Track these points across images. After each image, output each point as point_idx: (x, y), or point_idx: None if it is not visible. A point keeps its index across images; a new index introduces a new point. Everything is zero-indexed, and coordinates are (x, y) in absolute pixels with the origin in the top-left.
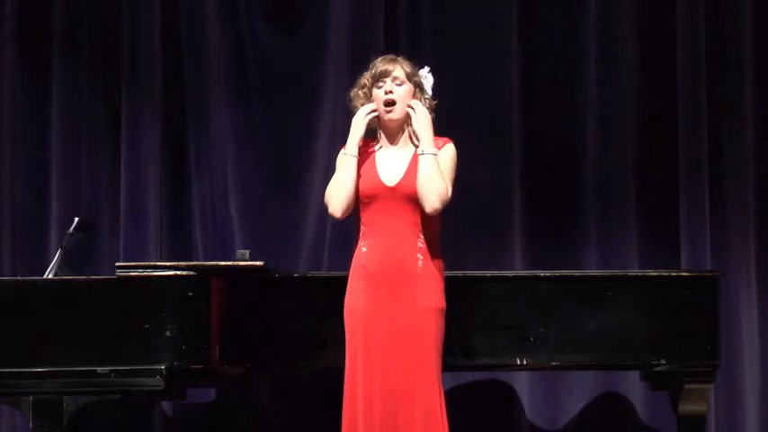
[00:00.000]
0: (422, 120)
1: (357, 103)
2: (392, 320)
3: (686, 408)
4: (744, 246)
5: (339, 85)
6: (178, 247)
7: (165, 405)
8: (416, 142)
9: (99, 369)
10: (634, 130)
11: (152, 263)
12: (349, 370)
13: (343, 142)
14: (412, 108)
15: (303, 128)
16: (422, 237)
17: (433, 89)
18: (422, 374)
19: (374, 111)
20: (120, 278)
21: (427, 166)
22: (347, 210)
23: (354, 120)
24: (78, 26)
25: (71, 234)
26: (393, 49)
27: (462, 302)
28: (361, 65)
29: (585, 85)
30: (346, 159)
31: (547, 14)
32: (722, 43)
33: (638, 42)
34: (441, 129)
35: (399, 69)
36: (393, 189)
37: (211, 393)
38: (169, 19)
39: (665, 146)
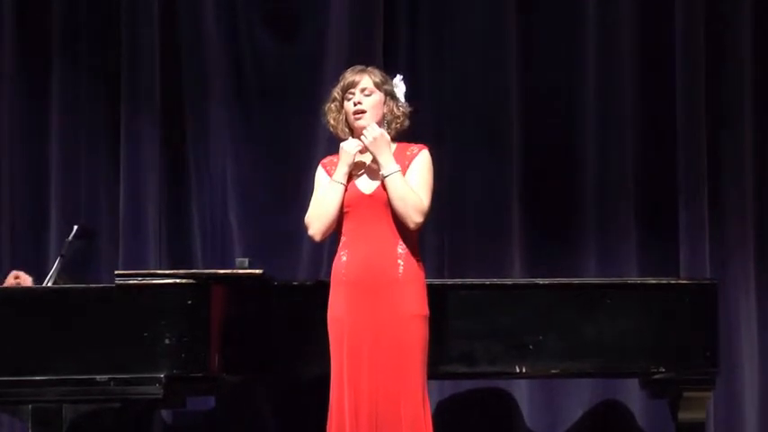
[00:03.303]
0: (373, 144)
1: (330, 116)
2: (375, 328)
3: (685, 415)
4: (743, 254)
5: None
6: (177, 255)
7: (165, 413)
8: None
9: (98, 377)
10: (633, 137)
11: (151, 271)
12: (334, 379)
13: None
14: (364, 135)
15: (302, 135)
16: (402, 243)
17: (405, 96)
18: (406, 382)
19: (359, 149)
20: (119, 286)
21: (396, 186)
22: (327, 234)
23: (346, 148)
24: (77, 34)
25: (70, 242)
26: (392, 55)
27: (461, 310)
28: None
29: (584, 90)
30: (334, 186)
31: (546, 21)
32: (721, 51)
33: (638, 48)
34: (439, 135)
35: (367, 79)
36: (371, 197)
37: (211, 401)
38: (168, 27)
39: (665, 153)
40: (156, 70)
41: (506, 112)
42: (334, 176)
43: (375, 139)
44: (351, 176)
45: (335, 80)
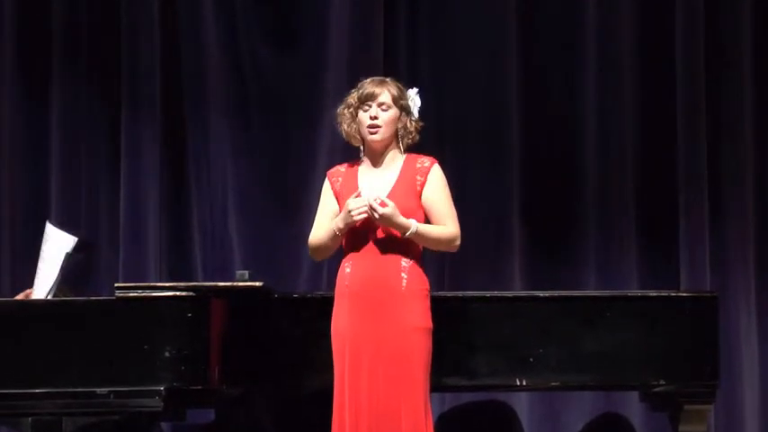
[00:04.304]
0: (381, 221)
1: (343, 122)
2: (378, 341)
3: (686, 428)
4: (743, 266)
5: (338, 103)
6: (177, 268)
7: (165, 426)
8: (400, 154)
9: (98, 390)
10: (633, 149)
11: (151, 283)
12: (337, 391)
13: (341, 161)
14: (374, 209)
15: (302, 147)
16: (406, 256)
17: (420, 111)
18: (408, 395)
19: (365, 212)
20: (119, 299)
21: (423, 239)
22: (325, 258)
23: (352, 210)
24: (78, 44)
25: (70, 254)
26: (392, 66)
27: (461, 323)
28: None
29: (584, 103)
30: (333, 234)
31: (546, 32)
32: (721, 63)
33: (638, 60)
34: (440, 147)
35: (386, 94)
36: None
37: (211, 414)
38: (168, 38)
39: (665, 165)
40: (157, 81)
41: (507, 124)
42: (334, 225)
43: (379, 218)
44: (357, 186)
45: (336, 91)
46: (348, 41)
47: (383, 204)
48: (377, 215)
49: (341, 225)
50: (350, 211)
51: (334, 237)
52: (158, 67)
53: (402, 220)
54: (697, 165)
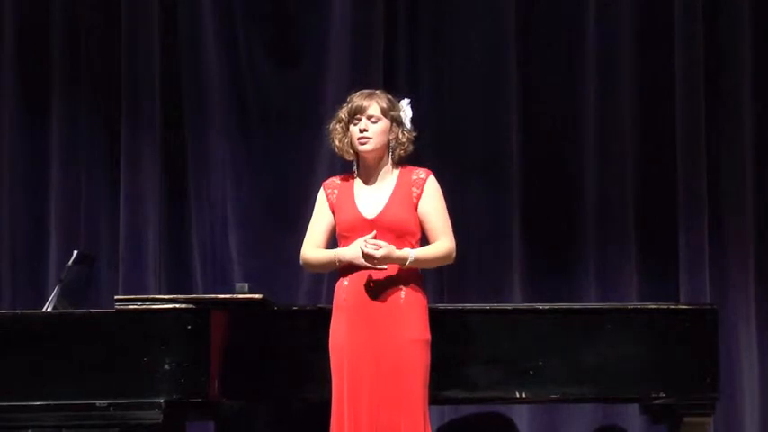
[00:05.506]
0: (381, 262)
1: (335, 137)
2: (377, 353)
3: None
4: (743, 278)
5: None
6: (177, 280)
7: None
8: (393, 168)
9: (98, 402)
10: (633, 163)
11: (151, 296)
12: (335, 404)
13: (341, 173)
14: (371, 256)
15: (302, 160)
16: (404, 269)
17: (412, 121)
18: (407, 407)
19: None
20: (119, 311)
21: (423, 263)
22: None
23: (364, 254)
24: (78, 61)
25: (70, 267)
26: (392, 79)
27: (461, 335)
28: None
29: (585, 118)
30: (333, 263)
31: (546, 49)
32: (721, 78)
33: (637, 77)
34: (440, 160)
35: (375, 106)
36: (373, 221)
37: (211, 427)
38: (168, 53)
39: (665, 179)
40: (157, 98)
41: (507, 138)
42: (337, 256)
43: (379, 260)
44: (353, 199)
45: (336, 106)
46: (348, 56)
47: (376, 247)
48: (375, 261)
49: (344, 260)
50: (367, 259)
51: (332, 264)
52: (158, 83)
53: (399, 254)
54: (697, 177)
